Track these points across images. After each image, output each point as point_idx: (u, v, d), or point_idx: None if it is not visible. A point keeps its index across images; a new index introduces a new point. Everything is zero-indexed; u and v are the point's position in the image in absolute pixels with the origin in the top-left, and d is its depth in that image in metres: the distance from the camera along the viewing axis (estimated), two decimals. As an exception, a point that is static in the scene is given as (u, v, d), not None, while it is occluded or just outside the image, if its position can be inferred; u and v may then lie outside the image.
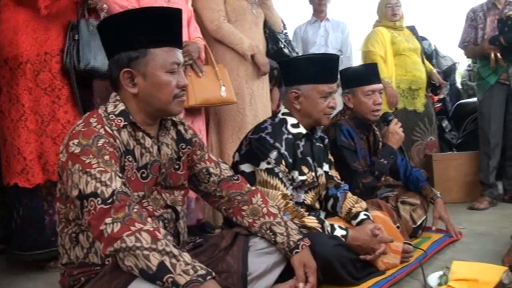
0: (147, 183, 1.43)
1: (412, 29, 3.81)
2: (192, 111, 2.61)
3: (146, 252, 1.16)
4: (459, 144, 4.17)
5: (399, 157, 2.61)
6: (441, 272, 1.82)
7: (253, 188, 1.68)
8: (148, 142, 1.44)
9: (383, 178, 2.60)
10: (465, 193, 3.62)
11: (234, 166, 2.00)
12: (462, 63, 6.45)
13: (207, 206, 2.76)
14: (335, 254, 1.74)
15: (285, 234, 1.57)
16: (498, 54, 3.25)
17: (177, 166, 1.54)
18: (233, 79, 2.80)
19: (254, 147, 1.93)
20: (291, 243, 1.56)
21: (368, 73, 2.51)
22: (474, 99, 4.04)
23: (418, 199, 2.56)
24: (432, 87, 3.83)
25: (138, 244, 1.16)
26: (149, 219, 1.25)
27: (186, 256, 1.19)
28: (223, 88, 2.56)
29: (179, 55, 1.41)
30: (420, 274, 1.95)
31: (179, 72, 1.42)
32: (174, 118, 1.55)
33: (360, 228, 1.94)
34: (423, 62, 3.77)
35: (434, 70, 3.93)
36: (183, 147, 1.57)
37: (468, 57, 4.50)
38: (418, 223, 2.52)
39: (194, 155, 1.60)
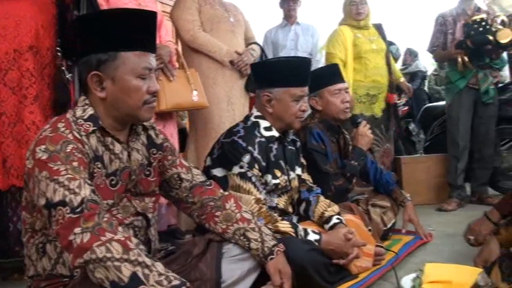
0: (117, 191, 1.38)
1: (378, 27, 3.65)
2: (163, 116, 2.57)
3: (117, 263, 1.11)
4: (426, 147, 4.24)
5: (369, 160, 2.63)
6: (414, 275, 1.83)
7: (226, 193, 1.65)
8: (117, 148, 1.39)
9: (354, 180, 2.62)
10: (433, 195, 3.69)
11: (206, 170, 1.96)
12: (429, 68, 6.60)
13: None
14: (309, 259, 1.73)
15: (259, 240, 1.55)
16: (465, 58, 3.32)
17: (148, 172, 1.49)
18: (210, 87, 2.78)
19: (227, 151, 1.91)
20: (266, 249, 1.54)
21: (331, 73, 2.53)
22: (442, 103, 4.12)
23: (388, 201, 2.58)
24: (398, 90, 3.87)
25: (109, 255, 1.12)
26: (120, 228, 1.21)
27: (159, 266, 1.16)
28: (194, 92, 2.53)
29: (151, 60, 1.37)
30: (392, 276, 1.97)
31: (151, 77, 1.37)
32: (144, 123, 1.51)
33: (333, 233, 1.94)
34: (388, 64, 3.61)
35: (403, 79, 3.87)
36: (154, 152, 1.52)
37: (437, 61, 4.59)
38: (389, 225, 2.55)
39: (165, 161, 1.56)
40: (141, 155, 1.47)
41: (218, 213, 1.58)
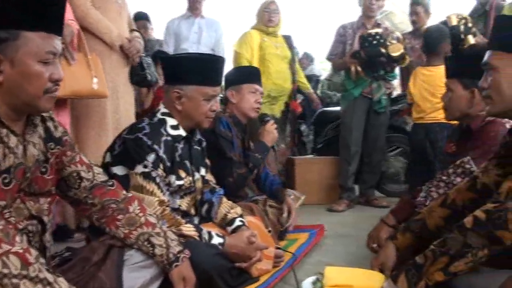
0: (10, 190, 1.20)
1: (287, 38, 3.93)
2: (57, 103, 2.30)
3: (15, 280, 0.97)
4: (319, 149, 4.42)
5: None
6: (314, 277, 1.86)
7: (130, 194, 1.54)
8: (12, 141, 1.21)
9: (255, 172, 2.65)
10: (324, 196, 3.85)
11: (105, 168, 1.81)
12: (323, 73, 6.91)
13: (69, 208, 2.49)
14: (213, 264, 1.68)
15: (164, 245, 1.47)
16: (359, 68, 3.51)
17: (44, 169, 1.32)
18: None
19: (130, 148, 1.77)
20: (171, 255, 1.46)
21: (254, 73, 2.69)
22: (337, 108, 4.33)
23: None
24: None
25: (6, 271, 0.97)
26: (17, 238, 1.05)
27: (63, 284, 1.02)
28: (95, 80, 2.32)
29: (57, 43, 1.21)
30: (292, 278, 1.99)
31: (54, 63, 1.21)
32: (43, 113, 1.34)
33: (236, 236, 1.91)
34: (293, 73, 3.91)
35: (311, 90, 4.17)
36: (52, 147, 1.35)
37: (334, 69, 4.84)
38: (285, 226, 2.61)
39: (64, 156, 1.40)
40: (37, 149, 1.30)
41: (120, 216, 1.46)
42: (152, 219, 1.50)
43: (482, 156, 1.97)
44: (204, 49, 3.88)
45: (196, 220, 2.05)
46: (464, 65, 2.11)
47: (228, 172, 2.38)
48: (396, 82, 3.97)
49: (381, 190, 4.03)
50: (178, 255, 1.47)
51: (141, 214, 1.48)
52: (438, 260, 1.34)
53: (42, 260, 1.04)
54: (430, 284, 1.35)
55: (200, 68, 1.85)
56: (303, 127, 5.48)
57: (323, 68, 7.69)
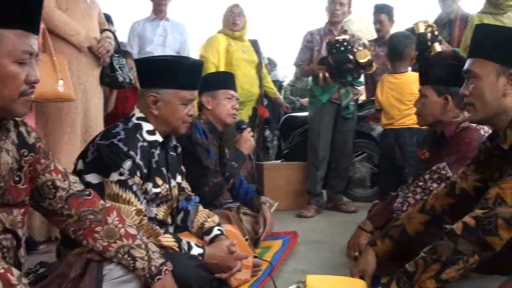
0: None
1: (254, 42, 3.91)
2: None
3: None
4: (285, 154, 4.40)
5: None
6: (295, 286, 1.82)
7: (108, 204, 1.44)
8: None
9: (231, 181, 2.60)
10: (292, 201, 3.83)
11: (77, 176, 1.70)
12: (287, 79, 6.93)
13: (34, 216, 2.34)
14: (195, 276, 1.61)
15: (146, 258, 1.39)
16: (327, 74, 3.52)
17: (17, 178, 1.21)
18: None
19: (104, 155, 1.67)
20: (153, 268, 1.38)
21: (229, 79, 2.67)
22: (303, 114, 4.33)
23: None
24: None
25: None
26: None
27: None
28: (60, 82, 2.20)
29: (34, 42, 1.12)
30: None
31: (31, 64, 1.12)
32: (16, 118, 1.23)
33: (216, 245, 1.85)
34: (260, 77, 3.89)
35: (279, 95, 4.17)
36: (25, 154, 1.25)
37: (302, 75, 4.86)
38: (260, 235, 2.56)
39: (38, 164, 1.30)
40: (11, 157, 1.19)
41: (98, 228, 1.36)
42: (132, 231, 1.42)
43: (458, 162, 2.01)
44: (169, 52, 3.80)
45: (171, 229, 1.97)
46: (438, 72, 2.14)
47: (204, 181, 2.33)
48: (361, 88, 4.01)
49: (347, 195, 4.06)
50: (161, 268, 1.40)
51: (120, 225, 1.40)
52: (430, 268, 1.33)
53: (24, 280, 0.94)
54: (422, 292, 1.34)
55: (178, 71, 1.77)
56: (267, 133, 5.48)
57: (284, 74, 7.73)
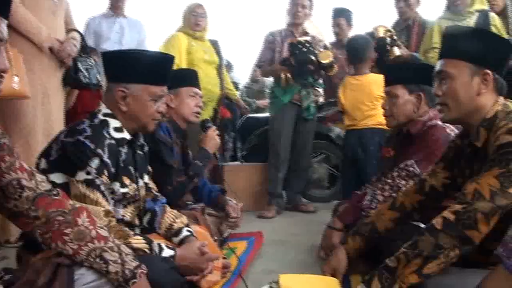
0: None
1: (214, 43, 3.86)
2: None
3: None
4: (244, 156, 4.37)
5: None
6: (268, 286, 1.79)
7: (78, 205, 1.35)
8: None
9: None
10: (253, 202, 3.79)
11: (40, 176, 1.59)
12: (243, 81, 6.91)
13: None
14: (169, 279, 1.53)
15: (119, 261, 1.30)
16: (289, 75, 3.52)
17: None
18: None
19: (70, 153, 1.57)
20: (127, 271, 1.30)
21: (193, 76, 2.57)
22: (261, 115, 4.32)
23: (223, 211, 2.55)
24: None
25: None
26: None
27: None
28: (15, 79, 2.07)
29: (3, 27, 1.02)
30: (243, 288, 1.92)
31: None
32: None
33: (187, 247, 1.79)
34: (221, 78, 3.86)
35: (239, 97, 4.13)
36: None
37: (263, 76, 4.85)
38: (225, 235, 2.52)
39: (2, 162, 1.19)
40: None
41: (68, 230, 1.27)
42: (104, 232, 1.33)
43: (425, 159, 2.05)
44: (126, 50, 3.66)
45: (138, 231, 1.89)
46: (409, 71, 2.18)
47: (167, 181, 2.25)
48: (320, 90, 4.04)
49: (305, 196, 4.07)
50: (135, 271, 1.32)
51: (91, 227, 1.31)
52: (412, 262, 1.34)
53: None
54: (404, 287, 1.34)
55: (149, 66, 1.70)
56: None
57: (239, 76, 7.70)
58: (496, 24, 3.22)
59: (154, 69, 1.71)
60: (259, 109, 6.10)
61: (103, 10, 3.88)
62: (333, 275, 1.82)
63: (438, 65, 1.54)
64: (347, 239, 1.88)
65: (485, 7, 3.28)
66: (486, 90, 1.45)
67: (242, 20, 8.40)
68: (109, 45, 3.66)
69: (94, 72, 2.72)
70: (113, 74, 1.73)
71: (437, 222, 1.36)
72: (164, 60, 1.79)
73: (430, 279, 1.33)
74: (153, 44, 4.07)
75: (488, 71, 1.44)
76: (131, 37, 3.82)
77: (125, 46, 3.72)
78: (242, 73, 6.92)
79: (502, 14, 3.34)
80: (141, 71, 1.69)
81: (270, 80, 6.30)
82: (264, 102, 6.25)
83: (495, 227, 1.30)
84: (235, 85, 6.36)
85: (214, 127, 2.58)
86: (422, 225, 1.84)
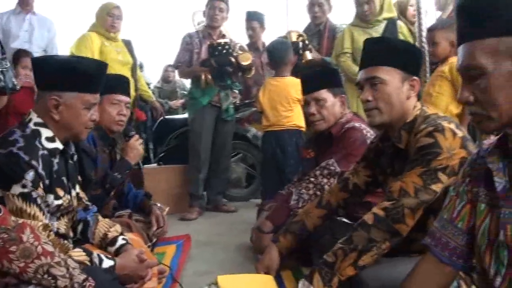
0: None
1: (127, 43, 3.81)
2: None
3: None
4: (161, 158, 4.33)
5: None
6: (206, 288, 1.85)
7: (20, 221, 1.31)
8: None
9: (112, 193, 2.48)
10: (174, 204, 3.76)
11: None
12: (154, 81, 6.80)
13: None
14: (113, 290, 1.53)
15: (67, 276, 1.30)
16: (209, 76, 3.57)
17: None
18: None
19: (3, 166, 1.49)
20: (76, 285, 1.30)
21: (118, 83, 2.45)
22: (179, 116, 4.31)
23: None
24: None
25: None
26: None
27: None
28: None
29: None
30: (182, 294, 1.95)
31: None
32: None
33: (125, 256, 1.77)
34: (135, 79, 3.81)
35: (154, 99, 4.16)
36: None
37: (181, 77, 4.82)
38: (154, 240, 2.51)
39: None
40: None
41: (13, 248, 1.23)
42: (49, 248, 1.31)
43: (345, 158, 2.23)
44: (36, 49, 3.50)
45: (71, 242, 1.83)
46: (331, 76, 2.35)
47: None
48: (237, 92, 4.13)
49: (225, 196, 4.14)
50: (84, 284, 1.32)
51: (36, 243, 1.27)
52: (348, 256, 1.48)
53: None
54: (342, 279, 1.48)
55: (84, 74, 1.66)
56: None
57: (149, 76, 7.57)
58: (404, 32, 3.47)
59: (89, 77, 1.68)
60: (172, 110, 6.05)
61: (12, 6, 3.63)
62: (266, 273, 1.92)
63: (367, 72, 1.63)
64: (278, 238, 1.98)
65: (393, 15, 3.47)
66: (414, 95, 1.62)
67: (149, 20, 8.23)
68: (18, 44, 3.47)
69: (10, 75, 2.54)
70: (45, 82, 1.67)
71: (368, 218, 1.51)
72: (99, 67, 1.75)
73: (365, 270, 1.48)
74: (63, 43, 3.87)
75: (416, 77, 1.61)
76: (41, 35, 3.64)
77: (34, 45, 3.55)
78: (152, 73, 6.81)
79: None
80: (76, 79, 1.64)
81: (182, 80, 6.31)
82: (177, 102, 6.22)
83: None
84: (147, 85, 6.26)
85: (137, 136, 2.52)
86: (346, 220, 2.03)
